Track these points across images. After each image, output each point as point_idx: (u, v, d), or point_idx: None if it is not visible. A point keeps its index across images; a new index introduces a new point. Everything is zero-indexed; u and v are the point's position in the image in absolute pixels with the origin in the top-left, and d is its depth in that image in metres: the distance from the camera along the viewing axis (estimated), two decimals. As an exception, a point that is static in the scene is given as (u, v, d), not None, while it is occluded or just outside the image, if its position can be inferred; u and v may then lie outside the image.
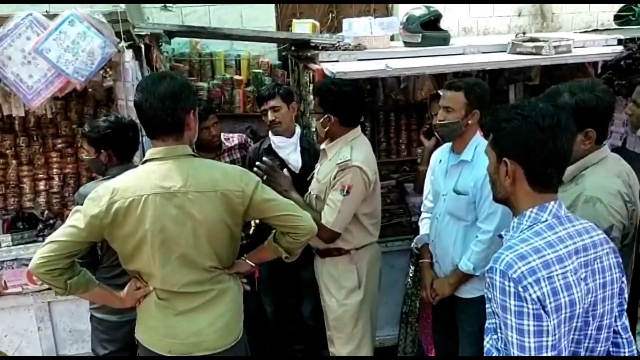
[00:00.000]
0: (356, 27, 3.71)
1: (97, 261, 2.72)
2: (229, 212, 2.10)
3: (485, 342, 1.71)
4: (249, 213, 2.15)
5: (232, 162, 3.64)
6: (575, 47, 3.50)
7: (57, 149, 4.00)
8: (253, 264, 2.37)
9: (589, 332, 1.62)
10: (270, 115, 3.29)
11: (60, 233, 2.04)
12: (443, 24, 3.83)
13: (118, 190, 2.03)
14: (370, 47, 3.58)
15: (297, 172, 3.36)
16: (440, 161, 2.89)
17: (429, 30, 3.66)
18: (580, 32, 4.41)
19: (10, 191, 3.92)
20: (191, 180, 2.04)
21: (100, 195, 2.04)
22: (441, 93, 2.84)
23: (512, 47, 3.52)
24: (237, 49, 4.57)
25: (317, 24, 4.07)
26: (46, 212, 3.85)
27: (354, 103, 2.83)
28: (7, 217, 3.85)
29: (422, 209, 3.13)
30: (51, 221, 3.76)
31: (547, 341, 1.49)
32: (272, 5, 4.73)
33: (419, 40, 3.63)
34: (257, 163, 2.91)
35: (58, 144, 4.00)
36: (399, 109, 4.35)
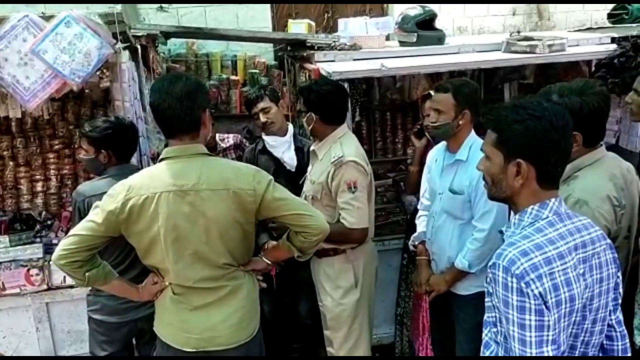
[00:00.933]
0: (352, 27, 3.72)
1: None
2: (241, 211, 2.14)
3: (483, 335, 1.73)
4: (261, 212, 2.18)
5: (228, 162, 3.66)
6: (569, 46, 3.52)
7: (54, 150, 4.00)
8: (269, 262, 2.41)
9: (586, 325, 1.65)
10: (263, 117, 3.32)
11: (80, 227, 2.12)
12: (438, 23, 3.85)
13: (133, 187, 2.10)
14: (366, 47, 3.60)
15: (293, 170, 3.38)
16: (436, 160, 2.91)
17: (424, 29, 3.68)
18: (575, 31, 4.43)
19: (8, 192, 3.93)
20: (204, 179, 2.09)
21: (117, 192, 2.11)
22: (432, 94, 2.87)
23: (506, 46, 3.54)
24: (233, 49, 4.58)
25: (313, 24, 4.09)
26: (44, 213, 3.85)
27: (335, 101, 2.89)
28: (5, 218, 3.85)
29: (418, 207, 3.15)
30: (49, 222, 3.77)
31: (547, 335, 1.52)
32: (268, 6, 4.74)
33: (414, 39, 3.65)
34: None
35: (55, 145, 4.01)
36: (394, 108, 4.37)
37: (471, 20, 4.99)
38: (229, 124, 4.36)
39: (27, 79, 2.78)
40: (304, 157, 3.41)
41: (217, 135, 3.70)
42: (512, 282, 1.53)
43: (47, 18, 2.87)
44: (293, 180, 3.33)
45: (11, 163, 3.90)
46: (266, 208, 2.17)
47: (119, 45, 2.96)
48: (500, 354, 1.67)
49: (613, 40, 3.64)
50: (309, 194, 2.93)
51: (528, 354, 1.53)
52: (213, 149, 3.64)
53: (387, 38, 3.94)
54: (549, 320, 1.52)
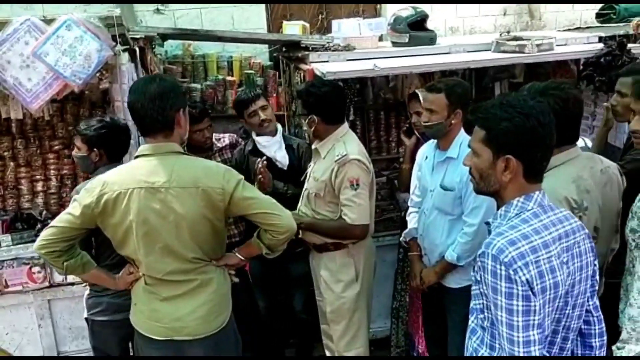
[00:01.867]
0: (345, 28, 3.78)
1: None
2: (210, 208, 2.22)
3: (470, 322, 1.82)
4: (230, 209, 2.27)
5: (223, 162, 3.67)
6: (557, 45, 3.58)
7: (54, 150, 4.05)
8: (242, 258, 2.49)
9: (567, 311, 1.73)
10: (262, 115, 3.35)
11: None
12: (430, 23, 3.91)
13: (108, 183, 2.22)
14: (359, 48, 3.65)
15: (285, 168, 3.44)
16: (427, 157, 2.97)
17: (416, 30, 3.74)
18: (564, 30, 4.51)
19: (9, 192, 3.97)
20: (174, 177, 2.18)
21: (93, 187, 2.24)
22: (419, 93, 2.93)
23: (496, 45, 3.61)
24: (229, 50, 4.64)
25: (307, 25, 4.14)
26: (44, 212, 3.90)
27: (334, 101, 2.94)
28: (6, 217, 3.90)
29: (409, 204, 3.22)
30: (49, 221, 3.78)
31: (533, 320, 1.61)
32: (263, 7, 4.80)
33: (407, 40, 3.70)
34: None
35: (55, 146, 4.05)
36: (388, 107, 4.43)
37: (463, 20, 5.07)
38: (225, 124, 4.41)
39: (29, 81, 2.84)
40: (294, 155, 3.47)
41: (214, 135, 3.75)
42: (500, 269, 1.61)
43: (49, 21, 2.93)
44: (286, 178, 3.39)
45: (12, 163, 3.94)
46: (235, 206, 2.26)
47: (119, 47, 3.02)
48: (486, 340, 1.75)
49: (600, 39, 3.70)
50: (312, 191, 2.99)
51: (515, 338, 1.61)
52: (209, 148, 3.70)
53: (380, 39, 4.00)
54: (535, 306, 1.60)
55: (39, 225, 3.74)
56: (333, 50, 3.55)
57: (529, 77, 4.09)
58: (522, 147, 1.67)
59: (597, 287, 1.84)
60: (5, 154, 3.95)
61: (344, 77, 3.29)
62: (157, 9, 4.57)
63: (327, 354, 3.27)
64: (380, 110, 4.44)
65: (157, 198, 2.18)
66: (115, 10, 3.03)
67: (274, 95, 4.55)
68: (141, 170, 2.20)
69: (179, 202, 2.18)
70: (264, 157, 3.24)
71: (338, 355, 3.12)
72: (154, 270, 2.29)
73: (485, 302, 1.72)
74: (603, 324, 1.85)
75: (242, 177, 2.30)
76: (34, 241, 3.56)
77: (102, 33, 2.95)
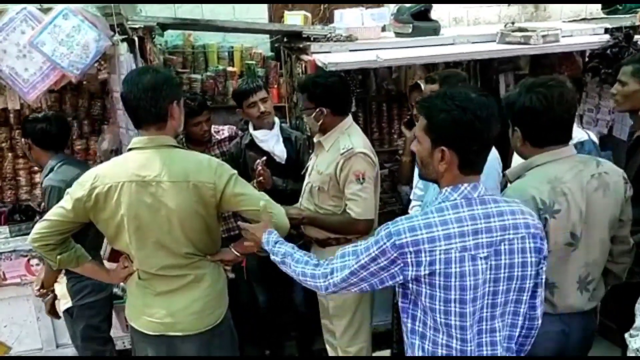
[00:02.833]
0: (347, 18, 3.74)
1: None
2: (202, 203, 2.19)
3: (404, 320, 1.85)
4: (221, 205, 2.23)
5: (222, 154, 3.68)
6: (563, 37, 3.54)
7: (63, 145, 4.01)
8: (238, 254, 2.44)
9: (487, 301, 1.74)
10: (262, 107, 3.32)
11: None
12: (434, 14, 3.86)
13: (99, 176, 2.18)
14: (362, 38, 3.61)
15: (283, 162, 3.41)
16: None
17: (420, 20, 3.69)
18: (569, 22, 4.46)
19: (7, 184, 3.95)
20: (165, 170, 2.15)
21: (85, 180, 2.20)
22: (421, 84, 2.89)
23: (501, 37, 3.56)
24: (229, 40, 4.59)
25: (309, 15, 4.10)
26: (42, 203, 3.87)
27: (341, 92, 2.90)
28: (4, 209, 3.89)
29: (411, 197, 3.18)
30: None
31: (367, 271, 1.75)
32: (265, -3, 4.75)
33: (410, 30, 3.66)
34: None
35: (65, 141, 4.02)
36: (390, 98, 4.40)
37: (467, 10, 5.00)
38: (225, 115, 4.38)
39: (25, 71, 2.79)
40: (292, 148, 3.44)
41: (212, 127, 3.72)
42: (386, 245, 1.69)
43: (45, 10, 2.87)
44: (284, 172, 3.37)
45: (10, 154, 3.92)
46: (226, 202, 2.22)
47: (117, 37, 2.97)
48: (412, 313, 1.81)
49: (606, 31, 3.66)
50: (315, 185, 2.94)
51: (350, 261, 1.80)
52: (208, 141, 3.66)
53: (383, 29, 3.94)
54: (373, 272, 1.74)
55: (37, 217, 3.72)
56: (335, 41, 3.51)
57: (534, 69, 4.04)
58: (458, 139, 1.69)
59: (539, 290, 1.85)
60: (3, 145, 3.92)
61: (346, 68, 3.25)
62: (157, -2, 4.50)
63: (328, 349, 3.25)
64: (382, 102, 4.41)
65: (148, 192, 2.15)
66: (112, -1, 2.98)
67: (275, 86, 4.50)
68: (133, 163, 2.17)
69: (170, 196, 2.15)
70: (264, 158, 3.20)
71: (341, 350, 3.10)
72: (147, 264, 2.27)
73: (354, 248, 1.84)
74: (535, 322, 1.90)
75: (235, 172, 2.26)
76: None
77: (100, 22, 2.90)
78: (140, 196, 2.14)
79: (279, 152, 3.39)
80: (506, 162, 2.85)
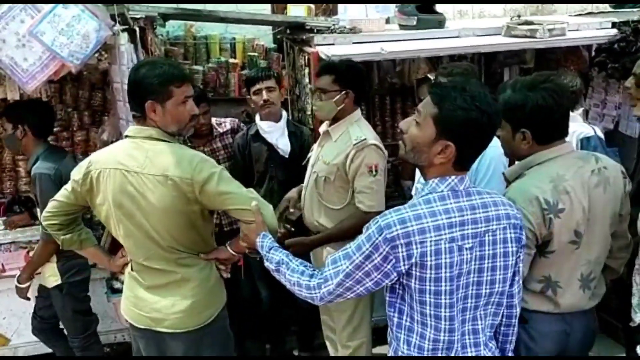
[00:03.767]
0: (351, 10, 3.71)
1: None
2: (182, 199, 2.13)
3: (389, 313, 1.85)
4: (203, 203, 2.16)
5: (224, 147, 3.67)
6: (569, 30, 3.51)
7: (52, 132, 3.99)
8: (234, 252, 2.38)
9: (472, 291, 1.76)
10: (266, 95, 3.31)
11: (59, 193, 2.34)
12: (439, 6, 3.83)
13: (93, 161, 2.23)
14: (366, 30, 3.58)
15: (286, 156, 3.38)
16: None
17: (425, 13, 3.66)
18: (575, 15, 4.41)
19: (6, 175, 3.94)
20: (147, 163, 2.14)
21: (82, 164, 2.27)
22: (430, 77, 2.86)
23: (506, 30, 3.53)
24: (231, 32, 4.55)
25: (313, 7, 4.06)
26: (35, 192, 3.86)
27: (365, 81, 2.92)
28: (4, 200, 3.87)
29: (412, 193, 3.14)
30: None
31: (361, 273, 1.73)
32: (267, -13, 4.70)
33: (414, 23, 3.63)
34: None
35: (53, 128, 3.99)
36: (394, 92, 4.36)
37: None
38: (227, 108, 4.35)
39: (25, 61, 2.75)
40: (297, 142, 3.41)
41: (214, 119, 3.69)
42: (378, 239, 1.68)
43: (45, -1, 2.84)
44: (287, 166, 3.34)
45: (9, 145, 3.89)
46: (209, 200, 2.15)
47: (118, 27, 2.93)
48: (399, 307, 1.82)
49: (614, 25, 3.63)
50: (321, 175, 2.88)
51: (343, 265, 1.76)
52: (209, 133, 3.63)
53: (387, 21, 3.91)
54: (375, 274, 1.72)
55: (36, 209, 3.70)
56: (339, 33, 3.49)
57: (540, 63, 4.01)
58: (466, 138, 1.69)
59: (518, 277, 1.88)
60: (2, 135, 3.87)
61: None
62: (159, -12, 4.46)
63: (328, 344, 3.23)
64: (385, 95, 4.38)
65: (130, 182, 2.14)
66: (114, -12, 2.93)
67: (277, 78, 4.46)
68: (122, 151, 2.19)
69: (149, 189, 2.13)
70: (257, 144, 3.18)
71: (340, 345, 3.08)
72: (135, 254, 2.27)
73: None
74: (513, 310, 1.92)
75: (220, 168, 2.19)
76: (32, 225, 3.58)
77: (101, 12, 2.86)
78: (123, 185, 2.14)
79: (283, 145, 3.36)
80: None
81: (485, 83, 2.85)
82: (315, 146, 3.07)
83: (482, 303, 1.80)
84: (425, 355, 1.78)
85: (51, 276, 3.18)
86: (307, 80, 3.50)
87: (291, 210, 3.09)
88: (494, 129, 1.72)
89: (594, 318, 2.24)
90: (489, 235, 1.74)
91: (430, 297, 1.72)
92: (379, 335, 3.80)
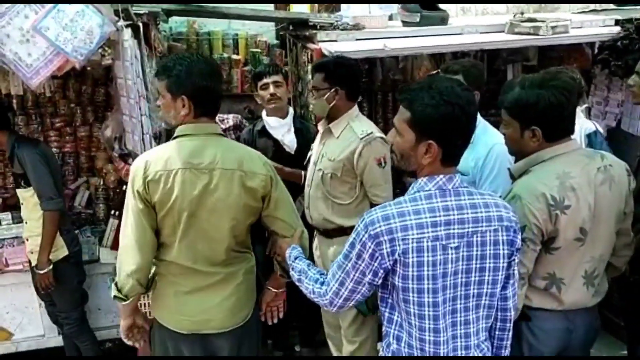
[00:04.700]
0: (354, 6, 3.71)
1: None
2: (252, 194, 2.18)
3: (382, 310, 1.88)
4: (266, 203, 2.23)
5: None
6: (572, 28, 3.50)
7: (55, 127, 4.01)
8: (277, 290, 2.47)
9: (460, 292, 1.77)
10: (273, 89, 3.32)
11: (129, 226, 2.20)
12: (441, 4, 3.82)
13: (148, 165, 2.14)
14: (369, 27, 3.57)
15: (292, 152, 3.38)
16: None
17: (428, 9, 3.65)
18: (578, 13, 4.40)
19: (9, 170, 3.93)
20: (219, 158, 2.14)
21: (136, 172, 2.15)
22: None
23: (510, 27, 3.53)
24: (234, 28, 4.56)
25: (315, 3, 4.06)
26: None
27: (359, 76, 2.91)
28: (7, 195, 3.87)
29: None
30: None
31: (355, 275, 1.77)
32: (270, -16, 4.69)
33: (418, 19, 3.62)
34: None
35: (56, 123, 4.01)
36: (397, 89, 4.35)
37: None
38: (230, 104, 4.36)
39: (29, 56, 2.75)
40: (303, 139, 3.41)
41: (217, 115, 3.69)
42: (364, 236, 1.72)
43: (49, -6, 2.84)
44: (292, 162, 3.34)
45: (12, 140, 3.90)
46: (269, 200, 2.23)
47: (121, 22, 2.93)
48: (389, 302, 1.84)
49: (617, 22, 3.62)
50: (327, 172, 2.89)
51: (338, 274, 1.82)
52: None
53: (390, 18, 3.90)
54: (366, 273, 1.75)
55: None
56: (342, 30, 3.48)
57: (542, 60, 4.00)
58: (445, 134, 1.70)
59: (512, 280, 1.87)
60: (6, 130, 3.88)
61: (353, 57, 3.20)
62: (162, -16, 4.45)
63: (329, 342, 3.25)
64: (388, 92, 4.36)
65: (200, 179, 2.13)
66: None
67: (280, 74, 4.46)
68: (184, 150, 2.15)
69: (222, 184, 2.13)
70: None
71: (346, 340, 3.08)
72: (185, 256, 2.21)
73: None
74: (507, 314, 1.91)
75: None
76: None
77: (104, 7, 2.86)
78: (192, 183, 2.12)
79: (289, 141, 3.37)
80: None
81: (488, 80, 2.84)
82: (315, 144, 3.08)
83: (473, 305, 1.80)
84: (415, 354, 1.80)
85: (57, 249, 3.26)
86: (310, 76, 3.49)
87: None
88: (469, 118, 1.72)
89: (596, 315, 2.24)
90: (477, 237, 1.74)
91: (413, 296, 1.73)
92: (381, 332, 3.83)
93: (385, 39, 3.34)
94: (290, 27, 4.13)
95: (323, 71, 2.87)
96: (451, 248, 1.71)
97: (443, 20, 3.68)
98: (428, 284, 1.71)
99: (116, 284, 2.21)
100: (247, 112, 4.29)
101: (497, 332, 1.94)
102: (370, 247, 1.71)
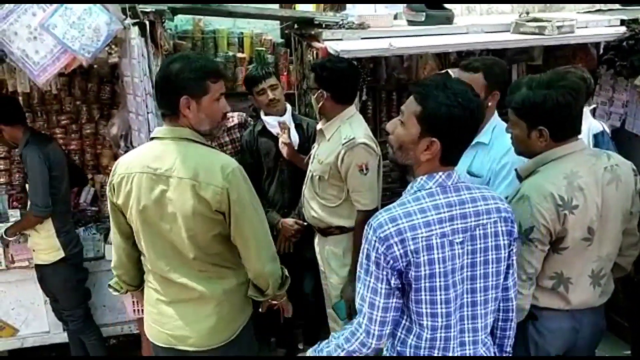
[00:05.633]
0: (360, 5, 3.71)
1: None
2: (205, 206, 2.02)
3: None
4: (227, 220, 2.06)
5: (232, 141, 3.68)
6: (578, 28, 3.49)
7: (61, 125, 4.03)
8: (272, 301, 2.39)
9: (467, 286, 1.78)
10: (271, 94, 3.31)
11: (112, 230, 2.27)
12: (447, 3, 3.82)
13: (117, 167, 2.15)
14: (374, 26, 3.57)
15: (296, 148, 3.39)
16: None
17: (433, 9, 3.65)
18: (584, 12, 4.39)
19: (16, 167, 3.96)
20: (177, 165, 2.02)
21: (111, 176, 2.16)
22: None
23: (515, 26, 3.52)
24: (239, 26, 4.57)
25: (321, 2, 4.06)
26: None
27: (347, 80, 2.87)
28: (13, 191, 3.90)
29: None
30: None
31: (382, 288, 1.73)
32: (276, -17, 4.69)
33: (423, 19, 3.62)
34: None
35: (62, 120, 4.03)
36: (401, 88, 4.34)
37: (480, -1, 4.93)
38: (235, 102, 4.34)
39: (36, 54, 2.76)
40: (304, 134, 3.43)
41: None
42: (375, 241, 1.71)
43: (57, -8, 2.85)
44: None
45: (19, 137, 3.91)
46: (231, 220, 2.06)
47: (128, 21, 2.94)
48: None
49: (622, 22, 3.61)
50: (316, 174, 2.94)
51: (366, 295, 1.76)
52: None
53: (395, 17, 3.90)
54: (385, 276, 1.72)
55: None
56: (347, 28, 3.48)
57: (548, 60, 4.00)
58: (451, 134, 1.71)
59: (512, 270, 1.88)
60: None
61: (358, 56, 3.21)
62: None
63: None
64: (392, 91, 4.36)
65: (157, 186, 2.03)
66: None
67: (285, 73, 4.47)
68: (149, 154, 2.08)
69: (177, 193, 2.01)
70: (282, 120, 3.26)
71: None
72: (157, 265, 2.15)
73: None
74: (510, 304, 1.92)
75: (250, 192, 2.12)
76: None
77: (112, 5, 2.87)
78: (148, 189, 2.04)
79: (292, 137, 3.37)
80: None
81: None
82: (315, 144, 3.11)
83: (480, 300, 1.81)
84: (422, 354, 1.80)
85: (54, 251, 3.34)
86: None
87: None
88: (476, 123, 1.74)
89: (602, 316, 2.24)
90: (479, 229, 1.76)
91: (425, 295, 1.73)
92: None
93: (391, 38, 3.34)
94: (296, 26, 4.14)
95: (314, 72, 2.91)
96: (457, 243, 1.73)
97: (448, 20, 3.68)
98: (440, 281, 1.72)
99: None
100: (252, 110, 4.29)
101: (499, 323, 1.95)
102: (381, 251, 1.70)
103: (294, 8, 4.11)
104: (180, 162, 2.02)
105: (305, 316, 3.83)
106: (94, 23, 2.79)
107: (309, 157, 3.12)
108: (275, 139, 3.41)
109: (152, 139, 2.14)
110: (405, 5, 3.73)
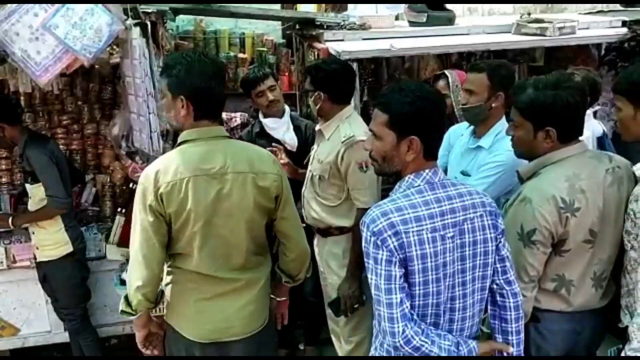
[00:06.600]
0: (361, 6, 3.72)
1: None
2: (265, 195, 2.16)
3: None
4: (279, 203, 2.21)
5: (235, 142, 3.68)
6: (579, 29, 3.50)
7: (62, 125, 4.02)
8: (282, 298, 2.49)
9: (458, 280, 1.82)
10: (270, 95, 3.32)
11: (141, 239, 2.11)
12: (448, 4, 3.82)
13: (156, 174, 2.06)
14: (375, 27, 3.59)
15: (294, 150, 3.39)
16: (462, 135, 2.84)
17: (434, 9, 3.66)
18: (586, 14, 4.40)
19: (17, 167, 3.96)
20: (230, 162, 2.10)
21: (146, 185, 2.07)
22: (447, 73, 2.84)
23: (516, 28, 3.53)
24: (241, 27, 4.57)
25: (322, 3, 4.07)
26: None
27: (342, 80, 2.88)
28: (14, 192, 3.90)
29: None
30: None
31: (395, 284, 1.74)
32: (277, -17, 4.70)
33: (424, 20, 3.63)
34: None
35: (64, 121, 4.03)
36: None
37: (481, 0, 4.92)
38: (237, 102, 4.34)
39: (38, 54, 2.77)
40: (302, 136, 3.43)
41: (225, 114, 3.70)
42: (370, 236, 1.76)
43: (58, -7, 2.85)
44: (294, 160, 3.35)
45: (20, 137, 3.91)
46: (282, 201, 2.22)
47: (130, 21, 2.95)
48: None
49: (624, 23, 3.62)
50: (316, 173, 2.94)
51: (380, 298, 1.76)
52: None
53: (397, 18, 3.91)
54: (395, 271, 1.74)
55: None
56: (348, 29, 3.49)
57: (549, 61, 4.00)
58: (423, 128, 1.78)
59: (506, 264, 1.90)
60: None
61: (359, 57, 3.22)
62: (170, -17, 4.47)
63: (334, 338, 3.25)
64: (393, 92, 4.36)
65: (213, 185, 2.08)
66: (127, -18, 2.95)
67: (286, 74, 4.48)
68: (194, 157, 2.09)
69: (236, 188, 2.10)
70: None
71: (343, 340, 3.11)
72: (205, 265, 2.16)
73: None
74: (519, 298, 1.94)
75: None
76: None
77: (113, 6, 2.88)
78: (206, 190, 2.07)
79: (290, 140, 3.38)
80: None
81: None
82: (315, 145, 3.11)
83: (470, 291, 1.85)
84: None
85: (62, 245, 3.34)
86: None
87: None
88: (441, 112, 1.84)
89: (603, 317, 2.24)
90: (467, 224, 1.81)
91: (419, 289, 1.78)
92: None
93: (392, 38, 3.35)
94: (297, 27, 4.14)
95: (309, 74, 2.91)
96: (448, 238, 1.78)
97: (450, 21, 3.69)
98: (432, 274, 1.77)
99: (126, 298, 2.17)
100: (254, 111, 4.29)
101: (499, 311, 1.96)
102: (378, 245, 1.74)
103: (296, 9, 4.11)
104: (232, 158, 2.10)
105: (306, 316, 3.84)
106: (96, 23, 2.79)
107: (309, 159, 3.12)
108: (274, 140, 3.40)
109: (184, 142, 2.13)
110: (406, 6, 3.73)
